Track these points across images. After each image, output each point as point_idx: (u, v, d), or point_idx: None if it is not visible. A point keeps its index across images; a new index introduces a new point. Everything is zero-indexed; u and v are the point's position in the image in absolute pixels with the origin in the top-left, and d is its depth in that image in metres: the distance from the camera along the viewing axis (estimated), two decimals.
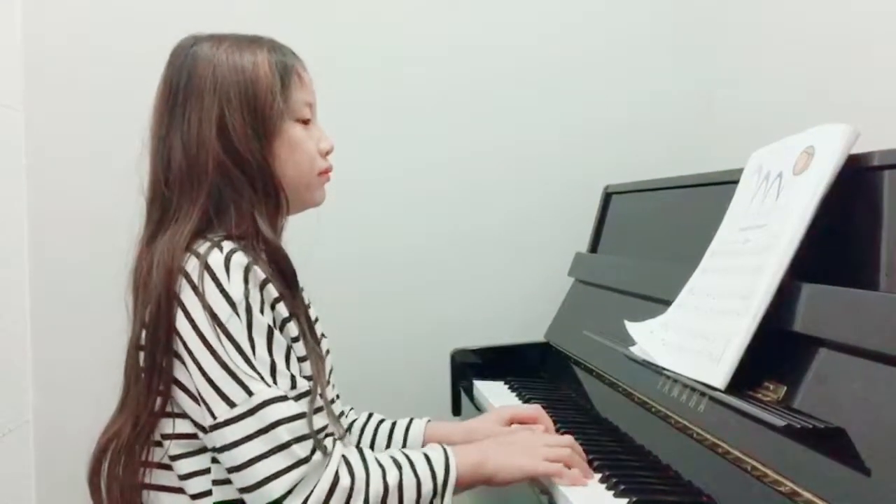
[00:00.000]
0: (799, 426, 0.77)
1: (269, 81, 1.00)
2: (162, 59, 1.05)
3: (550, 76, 1.85)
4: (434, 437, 1.20)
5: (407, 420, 1.24)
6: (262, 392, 0.89)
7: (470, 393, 1.59)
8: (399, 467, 0.95)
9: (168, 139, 1.00)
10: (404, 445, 1.21)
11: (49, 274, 1.67)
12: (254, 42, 1.04)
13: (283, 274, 0.98)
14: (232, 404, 0.88)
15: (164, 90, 1.02)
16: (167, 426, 0.95)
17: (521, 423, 1.20)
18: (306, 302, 1.06)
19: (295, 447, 0.88)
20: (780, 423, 0.78)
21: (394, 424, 1.24)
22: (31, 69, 1.65)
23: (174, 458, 0.95)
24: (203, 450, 0.95)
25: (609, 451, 1.10)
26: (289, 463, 0.88)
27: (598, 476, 1.01)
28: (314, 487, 0.88)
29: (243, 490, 0.89)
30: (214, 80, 0.99)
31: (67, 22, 1.66)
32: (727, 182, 1.16)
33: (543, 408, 1.26)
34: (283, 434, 0.88)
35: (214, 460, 0.94)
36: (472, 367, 1.64)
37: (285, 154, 1.03)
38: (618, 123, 1.87)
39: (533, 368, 1.65)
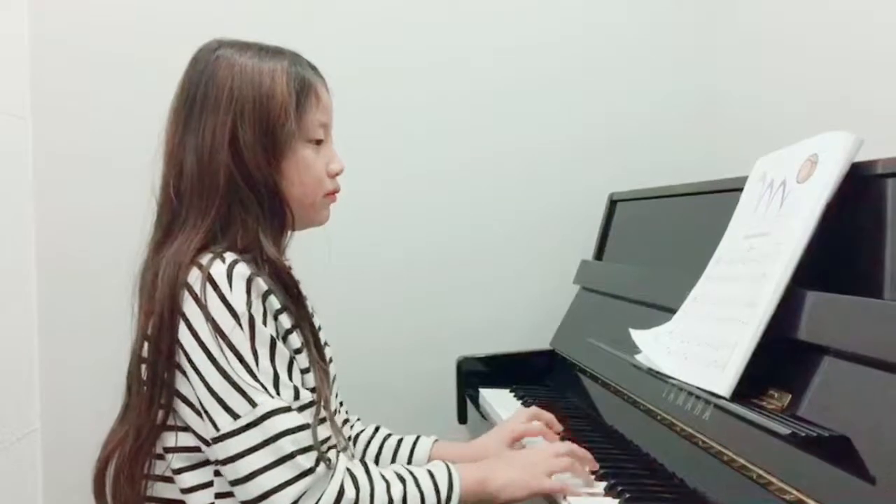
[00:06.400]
0: (803, 434, 0.77)
1: (284, 100, 0.99)
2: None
3: (553, 83, 1.86)
4: (440, 456, 1.18)
5: (413, 437, 1.24)
6: (265, 403, 0.88)
7: (476, 401, 1.59)
8: (403, 482, 0.95)
9: (182, 145, 0.99)
10: (409, 463, 1.20)
11: (56, 282, 1.68)
12: (276, 56, 1.02)
13: (286, 287, 0.98)
14: (235, 416, 0.88)
15: (183, 94, 1.01)
16: (170, 439, 0.95)
17: (524, 435, 1.20)
18: (310, 311, 1.06)
19: (299, 458, 0.88)
20: (784, 431, 0.79)
21: (400, 441, 1.23)
22: (37, 78, 1.66)
23: (177, 471, 0.95)
24: (205, 463, 0.95)
25: (614, 459, 1.10)
26: (293, 474, 0.88)
27: (604, 484, 1.01)
28: (319, 499, 0.88)
29: (247, 503, 0.89)
30: (231, 92, 0.98)
31: (73, 31, 1.67)
32: (731, 190, 1.16)
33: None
34: (286, 445, 0.88)
35: (217, 473, 0.94)
36: (477, 374, 1.65)
37: (293, 174, 1.02)
38: (622, 131, 1.87)
39: (538, 376, 1.65)
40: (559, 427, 1.23)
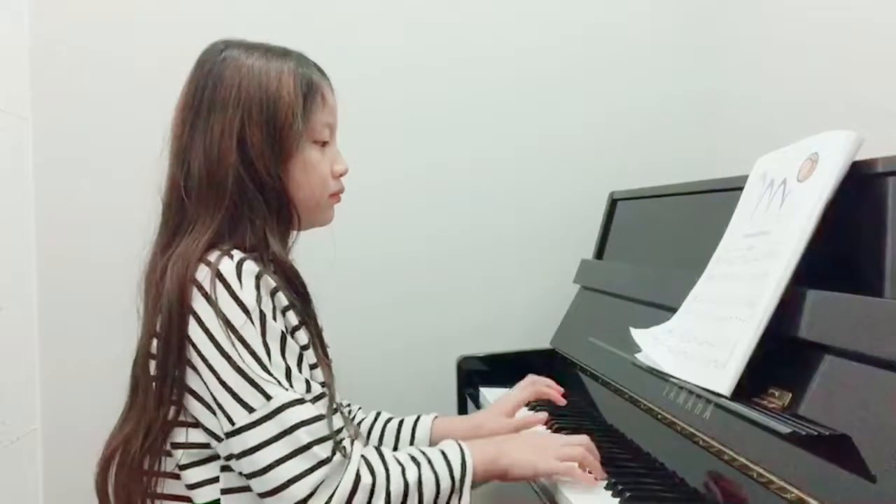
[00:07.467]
0: (804, 433, 0.77)
1: (292, 101, 1.00)
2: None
3: (553, 83, 1.86)
4: (440, 432, 1.21)
5: (414, 417, 1.26)
6: (280, 396, 0.89)
7: (476, 400, 1.59)
8: (417, 464, 0.96)
9: (190, 146, 1.00)
10: (412, 443, 1.22)
11: (57, 281, 1.68)
12: (282, 57, 1.03)
13: (293, 285, 0.99)
14: (251, 409, 0.88)
15: (190, 94, 1.02)
16: (179, 435, 0.95)
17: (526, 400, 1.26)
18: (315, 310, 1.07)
19: (315, 448, 0.89)
20: (785, 429, 0.79)
21: (401, 423, 1.25)
22: (37, 78, 1.66)
23: (183, 467, 0.96)
24: (212, 459, 0.95)
25: (614, 458, 1.10)
26: (310, 464, 0.88)
27: (604, 483, 1.01)
28: (336, 487, 0.89)
29: (265, 494, 0.89)
30: (239, 92, 0.99)
31: (73, 31, 1.67)
32: (732, 189, 1.16)
33: (549, 414, 1.27)
34: (303, 436, 0.89)
35: (223, 469, 0.94)
36: (477, 373, 1.64)
37: (299, 175, 1.03)
38: (623, 129, 1.88)
39: (539, 375, 1.65)
40: (559, 389, 1.25)
